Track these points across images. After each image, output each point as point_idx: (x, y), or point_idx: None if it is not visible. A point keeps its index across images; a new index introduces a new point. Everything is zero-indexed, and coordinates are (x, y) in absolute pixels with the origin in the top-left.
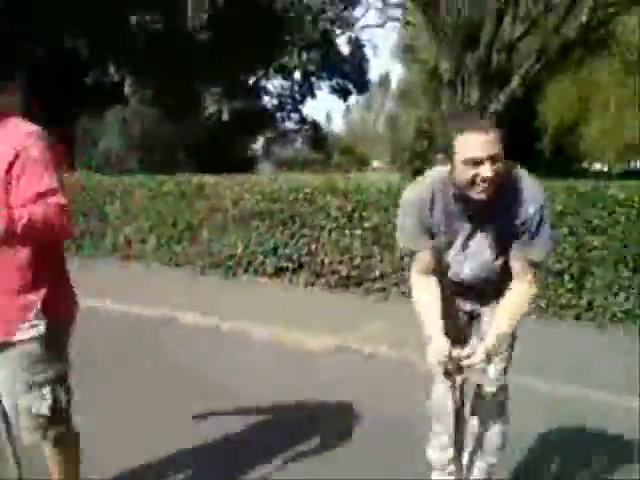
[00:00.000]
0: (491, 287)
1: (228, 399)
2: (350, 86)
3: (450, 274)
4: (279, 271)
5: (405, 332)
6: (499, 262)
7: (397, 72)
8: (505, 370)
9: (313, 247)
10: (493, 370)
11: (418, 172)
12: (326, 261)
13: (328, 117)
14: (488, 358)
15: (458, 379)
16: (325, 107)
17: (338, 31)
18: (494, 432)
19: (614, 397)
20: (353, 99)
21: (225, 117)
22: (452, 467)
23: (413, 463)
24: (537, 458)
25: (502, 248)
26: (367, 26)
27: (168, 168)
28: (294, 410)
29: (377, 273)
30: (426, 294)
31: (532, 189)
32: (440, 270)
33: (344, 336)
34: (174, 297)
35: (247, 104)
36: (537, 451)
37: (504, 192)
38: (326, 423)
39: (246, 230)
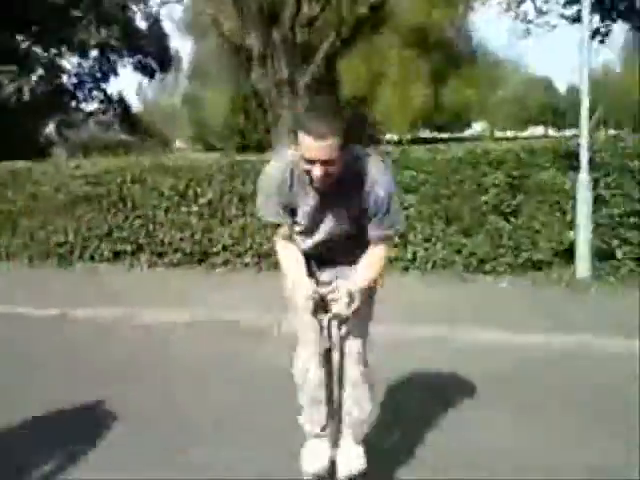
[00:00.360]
0: (344, 256)
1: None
2: (153, 63)
3: (307, 242)
4: (118, 255)
5: (255, 299)
6: (350, 232)
7: (187, 49)
8: (367, 325)
9: (151, 227)
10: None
11: (244, 148)
12: (166, 240)
13: (122, 97)
14: (350, 297)
15: (325, 318)
16: (123, 88)
17: (134, 7)
18: (361, 389)
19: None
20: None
21: (26, 97)
22: (324, 433)
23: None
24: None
25: (353, 220)
26: (166, 2)
27: None
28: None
29: (219, 247)
30: (290, 255)
31: (380, 173)
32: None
33: (196, 309)
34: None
35: (44, 83)
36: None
37: (352, 174)
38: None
39: (73, 216)
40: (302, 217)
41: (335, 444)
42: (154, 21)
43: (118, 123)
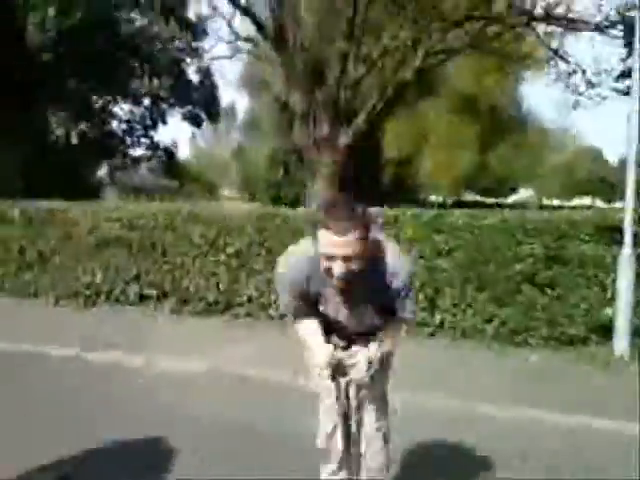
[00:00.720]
0: (362, 329)
1: (105, 430)
2: (201, 113)
3: (329, 325)
4: (143, 299)
5: (276, 353)
6: (371, 317)
7: (243, 103)
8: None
9: (177, 274)
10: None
11: (276, 200)
12: (191, 288)
13: (175, 144)
14: (369, 364)
15: (342, 381)
16: (174, 136)
17: (188, 60)
18: (378, 447)
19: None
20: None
21: (74, 140)
22: None
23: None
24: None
25: (375, 307)
26: (216, 57)
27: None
28: (178, 434)
29: (244, 298)
30: (307, 325)
31: (399, 261)
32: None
33: (215, 359)
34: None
35: (95, 128)
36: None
37: (376, 263)
38: (212, 445)
39: (104, 258)
40: (322, 304)
41: None
42: (205, 74)
43: (162, 169)
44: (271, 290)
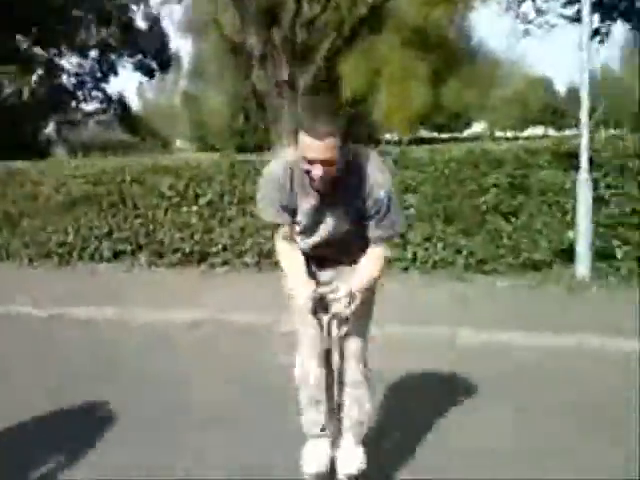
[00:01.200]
0: (344, 256)
1: (106, 384)
2: (152, 63)
3: (307, 242)
4: (117, 255)
5: (256, 298)
6: (349, 231)
7: (187, 49)
8: (367, 325)
9: (150, 227)
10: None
11: (241, 148)
12: (165, 240)
13: (122, 97)
14: (350, 297)
15: (324, 318)
16: (120, 87)
17: (134, 7)
18: (361, 390)
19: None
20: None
21: (25, 97)
22: (324, 433)
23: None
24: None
25: (353, 220)
26: (166, 2)
27: None
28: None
29: (219, 247)
30: (290, 255)
31: (380, 174)
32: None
33: (197, 309)
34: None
35: (44, 83)
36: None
37: (352, 174)
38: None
39: (74, 216)
40: (302, 217)
41: (335, 444)
42: (154, 21)
43: (118, 123)
44: (245, 237)
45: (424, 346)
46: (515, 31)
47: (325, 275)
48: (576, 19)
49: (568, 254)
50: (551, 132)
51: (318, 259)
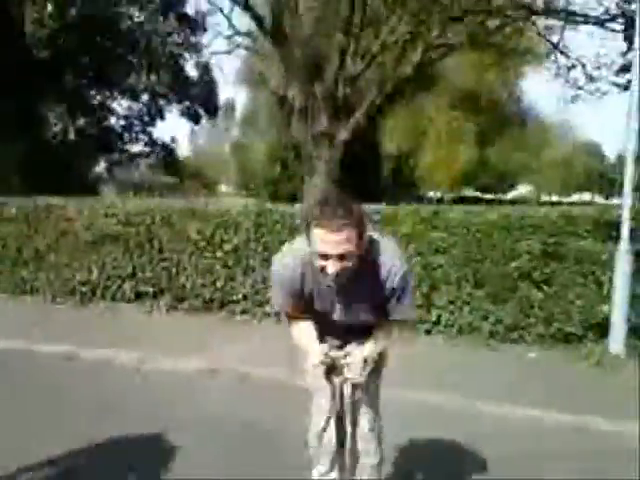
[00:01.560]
0: (360, 333)
1: (104, 429)
2: (200, 110)
3: (323, 324)
4: (139, 296)
5: (274, 350)
6: (367, 317)
7: (241, 99)
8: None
9: (173, 271)
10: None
11: (274, 196)
12: (188, 285)
13: (174, 141)
14: (364, 363)
15: (337, 381)
16: (173, 131)
17: (186, 55)
18: (372, 447)
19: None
20: (198, 124)
21: (71, 136)
22: None
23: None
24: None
25: (368, 307)
26: (215, 52)
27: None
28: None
29: (240, 295)
30: (301, 326)
31: (395, 259)
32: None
33: (212, 358)
34: (29, 327)
35: (93, 123)
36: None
37: (370, 263)
38: (214, 443)
39: (100, 254)
40: (317, 302)
41: None
42: (204, 69)
43: (162, 166)
44: (267, 287)
45: (439, 415)
46: (565, 96)
47: (337, 340)
48: (627, 87)
49: (601, 328)
50: (598, 199)
51: (330, 329)
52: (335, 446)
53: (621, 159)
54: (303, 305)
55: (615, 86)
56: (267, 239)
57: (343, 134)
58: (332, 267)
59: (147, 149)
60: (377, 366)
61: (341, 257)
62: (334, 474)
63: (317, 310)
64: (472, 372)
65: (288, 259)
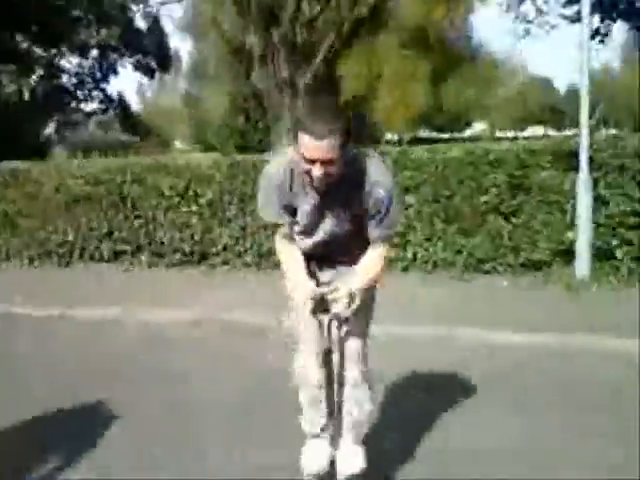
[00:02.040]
0: (344, 256)
1: (104, 384)
2: (152, 63)
3: (307, 242)
4: (117, 255)
5: (256, 297)
6: (349, 231)
7: (187, 48)
8: (367, 325)
9: (150, 227)
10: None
11: (242, 148)
12: (165, 240)
13: (121, 97)
14: (350, 297)
15: (325, 318)
16: (119, 87)
17: (134, 7)
18: (362, 390)
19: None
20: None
21: (26, 97)
22: (324, 433)
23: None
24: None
25: (353, 220)
26: (164, 2)
27: None
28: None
29: (219, 247)
30: (290, 255)
31: (381, 173)
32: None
33: (197, 309)
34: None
35: (45, 82)
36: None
37: (352, 174)
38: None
39: (74, 216)
40: (302, 217)
41: (335, 444)
42: (154, 21)
43: (118, 123)
44: (246, 237)
45: (423, 345)
46: (515, 31)
47: (325, 275)
48: (576, 19)
49: (568, 254)
50: (551, 132)
51: (318, 259)
52: (322, 384)
53: (570, 92)
54: (289, 219)
55: (564, 19)
56: (241, 190)
57: (304, 79)
58: (317, 170)
59: (102, 106)
60: (365, 301)
61: (326, 162)
62: (323, 406)
63: (303, 231)
64: (450, 302)
65: (276, 165)
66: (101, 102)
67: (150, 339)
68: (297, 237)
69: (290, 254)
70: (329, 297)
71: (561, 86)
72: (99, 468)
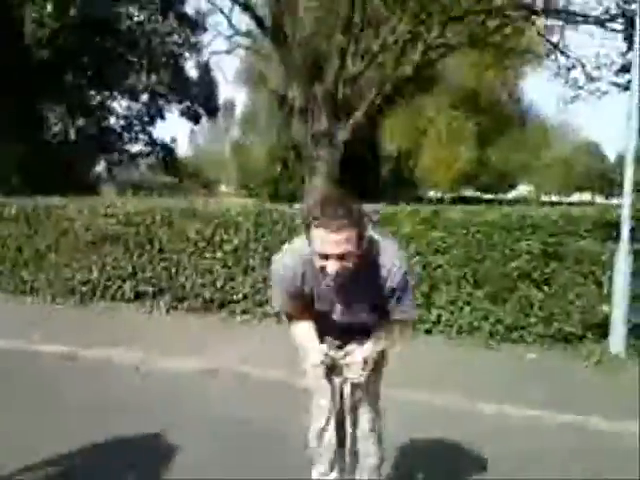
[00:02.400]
0: (360, 330)
1: (104, 429)
2: (200, 110)
3: (323, 324)
4: (138, 296)
5: (274, 350)
6: (367, 315)
7: (241, 99)
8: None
9: (173, 270)
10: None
11: (274, 196)
12: (187, 285)
13: (173, 141)
14: (364, 363)
15: (337, 381)
16: (173, 132)
17: (186, 54)
18: (371, 447)
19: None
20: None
21: (72, 136)
22: None
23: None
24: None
25: (368, 306)
26: (215, 52)
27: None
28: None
29: (240, 295)
30: (301, 326)
31: (396, 258)
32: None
33: (214, 358)
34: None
35: (93, 123)
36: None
37: (367, 262)
38: (216, 443)
39: (100, 254)
40: (317, 300)
41: None
42: (204, 69)
43: (162, 166)
44: (267, 287)
45: (439, 415)
46: (565, 96)
47: (336, 340)
48: (627, 87)
49: (601, 328)
50: (598, 199)
51: (333, 333)
52: (335, 446)
53: (621, 159)
54: (303, 305)
55: (615, 86)
56: (267, 239)
57: (343, 134)
58: (332, 267)
59: (147, 149)
60: (377, 366)
61: (341, 257)
62: (334, 474)
63: (317, 310)
64: (472, 372)
65: (288, 259)
66: (145, 145)
67: (161, 386)
68: (317, 316)
69: (300, 326)
70: (342, 362)
71: (611, 153)
72: None
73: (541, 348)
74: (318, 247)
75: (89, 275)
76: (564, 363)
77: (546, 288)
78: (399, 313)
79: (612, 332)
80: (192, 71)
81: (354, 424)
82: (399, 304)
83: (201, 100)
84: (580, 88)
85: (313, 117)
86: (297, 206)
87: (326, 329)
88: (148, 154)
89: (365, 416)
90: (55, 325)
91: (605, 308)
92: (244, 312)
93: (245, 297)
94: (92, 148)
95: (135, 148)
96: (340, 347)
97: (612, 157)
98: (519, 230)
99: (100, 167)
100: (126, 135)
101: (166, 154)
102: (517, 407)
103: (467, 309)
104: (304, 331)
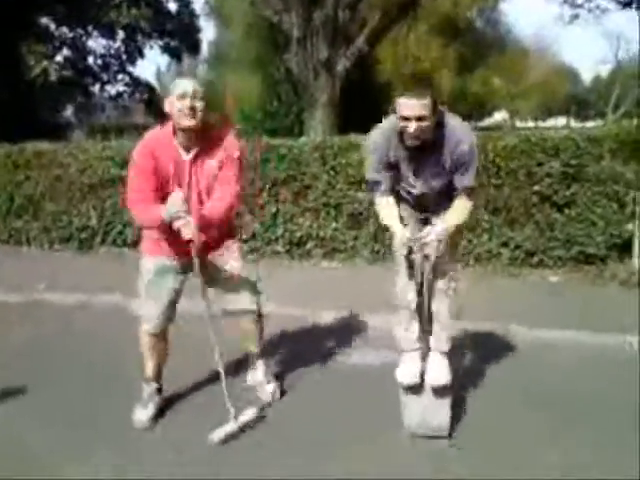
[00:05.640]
0: (437, 203)
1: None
2: (181, 45)
3: (406, 192)
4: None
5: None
6: (441, 184)
7: (207, 33)
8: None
9: None
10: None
11: (274, 132)
12: None
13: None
14: (439, 240)
15: (418, 257)
16: (138, 72)
17: None
18: (445, 308)
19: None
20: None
21: (53, 78)
22: (417, 345)
23: None
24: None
25: (444, 174)
26: None
27: None
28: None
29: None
30: (386, 207)
31: (462, 130)
32: (399, 190)
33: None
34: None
35: (72, 64)
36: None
37: (440, 134)
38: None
39: (99, 199)
40: (402, 172)
41: (425, 359)
42: (183, 2)
43: (144, 107)
44: (277, 225)
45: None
46: (562, 17)
47: (421, 215)
48: (628, 3)
49: (623, 249)
50: (573, 123)
51: (416, 210)
52: (415, 302)
53: (596, 81)
54: (390, 178)
55: (617, 2)
56: (274, 175)
57: (344, 62)
58: (412, 126)
59: (128, 89)
60: (453, 240)
61: (419, 119)
62: (415, 326)
63: (402, 185)
64: (497, 297)
65: (378, 131)
66: (126, 85)
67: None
68: (402, 192)
69: (387, 207)
70: (421, 241)
71: (587, 76)
72: None
73: (562, 271)
74: (401, 111)
75: (87, 221)
76: (588, 285)
77: (567, 211)
78: (465, 181)
79: (637, 251)
80: (171, 5)
81: (431, 287)
82: (465, 174)
83: (181, 35)
84: (579, 6)
85: (312, 46)
86: (302, 140)
87: (408, 204)
88: (131, 94)
89: (441, 283)
90: (60, 274)
91: (630, 227)
92: (252, 250)
93: (254, 235)
94: (67, 90)
95: (113, 90)
96: (423, 221)
97: (587, 81)
98: (542, 153)
99: (68, 112)
100: (104, 75)
101: (149, 94)
102: (550, 329)
103: (485, 236)
104: (388, 208)
